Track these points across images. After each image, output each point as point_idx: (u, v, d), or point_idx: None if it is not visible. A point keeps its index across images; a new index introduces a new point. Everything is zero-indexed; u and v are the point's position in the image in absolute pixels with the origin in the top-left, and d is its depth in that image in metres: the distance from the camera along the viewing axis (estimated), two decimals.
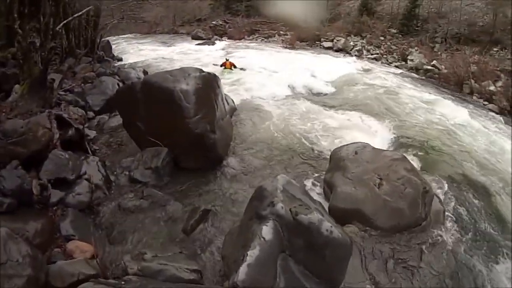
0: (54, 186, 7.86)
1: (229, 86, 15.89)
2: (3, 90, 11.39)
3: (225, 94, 12.41)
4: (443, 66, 23.79)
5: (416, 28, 30.07)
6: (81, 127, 9.88)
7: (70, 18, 14.91)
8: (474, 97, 19.61)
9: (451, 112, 15.71)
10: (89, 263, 6.31)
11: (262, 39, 35.24)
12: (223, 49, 29.05)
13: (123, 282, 5.79)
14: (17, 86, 10.86)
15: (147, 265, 6.33)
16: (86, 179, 8.46)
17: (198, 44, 31.55)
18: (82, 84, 14.95)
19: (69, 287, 5.72)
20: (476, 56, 23.55)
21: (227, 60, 20.74)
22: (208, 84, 10.58)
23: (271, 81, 17.69)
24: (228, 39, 35.62)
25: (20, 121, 8.34)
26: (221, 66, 20.09)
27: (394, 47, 29.12)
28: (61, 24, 12.41)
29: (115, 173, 9.61)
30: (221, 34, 37.50)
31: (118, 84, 14.70)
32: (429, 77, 23.31)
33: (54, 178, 7.97)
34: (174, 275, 6.27)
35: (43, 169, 8.00)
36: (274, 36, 35.41)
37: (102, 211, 8.22)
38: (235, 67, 20.16)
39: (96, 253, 6.86)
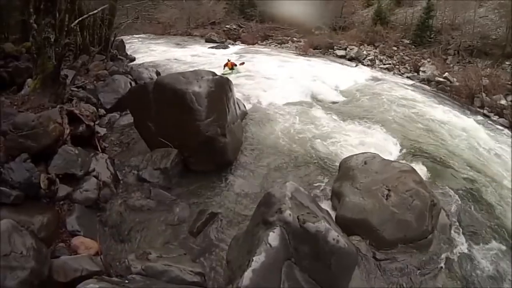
0: (62, 181, 7.90)
1: (241, 91, 15.86)
2: (16, 84, 11.53)
3: (237, 98, 12.41)
4: (455, 79, 23.64)
5: (429, 39, 29.92)
6: (92, 124, 9.89)
7: (85, 16, 15.01)
8: (485, 111, 19.45)
9: (461, 126, 15.62)
10: (93, 260, 6.32)
11: (276, 45, 35.25)
12: (236, 53, 29.08)
13: (126, 281, 5.81)
14: (29, 80, 10.97)
15: (151, 265, 6.35)
16: (95, 176, 8.49)
17: (211, 47, 31.64)
18: (95, 82, 15.04)
19: (72, 282, 5.70)
20: (488, 69, 23.43)
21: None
22: (221, 87, 10.61)
23: (283, 87, 17.65)
24: (241, 43, 35.75)
25: (32, 114, 8.40)
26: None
27: (406, 57, 29.02)
28: (76, 21, 12.51)
29: (123, 171, 9.64)
30: (235, 38, 37.62)
31: (130, 83, 14.77)
32: (441, 89, 23.16)
33: (63, 173, 8.02)
34: (178, 276, 6.29)
35: (52, 163, 8.05)
36: (288, 43, 35.42)
37: (108, 209, 8.23)
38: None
39: (100, 250, 6.89)
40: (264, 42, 36.28)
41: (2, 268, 5.17)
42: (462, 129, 15.19)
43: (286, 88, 17.64)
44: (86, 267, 6.03)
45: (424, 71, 25.80)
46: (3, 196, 6.87)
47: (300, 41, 34.76)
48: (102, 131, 11.39)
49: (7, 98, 10.30)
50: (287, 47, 34.37)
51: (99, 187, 8.37)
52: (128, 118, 12.05)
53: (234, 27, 40.19)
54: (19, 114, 8.59)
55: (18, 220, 6.14)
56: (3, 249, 5.35)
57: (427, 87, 23.71)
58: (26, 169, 7.30)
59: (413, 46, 30.42)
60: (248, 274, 5.34)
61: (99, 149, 9.88)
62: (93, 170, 8.64)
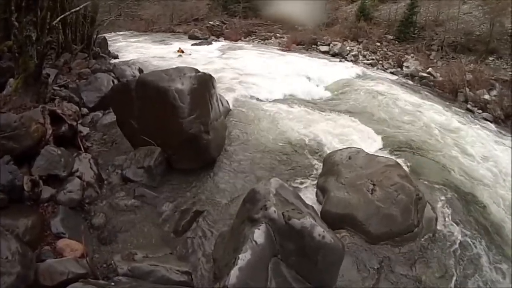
0: (46, 182, 7.82)
1: (224, 87, 15.81)
2: None
3: (220, 95, 12.37)
4: (438, 74, 23.89)
5: (413, 35, 30.08)
6: (74, 123, 9.81)
7: (67, 13, 14.79)
8: (469, 105, 19.60)
9: (446, 120, 15.78)
10: (78, 262, 6.23)
11: (259, 41, 35.18)
12: (219, 49, 29.02)
13: (113, 283, 5.79)
14: (11, 80, 10.77)
15: (137, 266, 6.33)
16: (78, 177, 8.39)
17: (195, 44, 31.46)
18: (77, 80, 14.81)
19: (58, 286, 5.66)
20: (472, 64, 23.67)
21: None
22: (204, 84, 10.52)
23: (266, 83, 17.59)
24: (224, 39, 35.51)
25: (14, 115, 8.24)
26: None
27: (390, 53, 29.20)
28: (58, 19, 12.23)
29: (107, 171, 9.55)
30: (218, 34, 37.42)
31: (113, 81, 14.54)
32: (424, 84, 23.37)
33: (46, 174, 7.92)
34: (165, 276, 6.29)
35: (35, 165, 7.95)
36: (271, 39, 35.38)
37: (93, 210, 8.17)
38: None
39: (86, 252, 6.80)
40: (248, 38, 36.16)
41: None
42: (446, 123, 15.34)
43: (269, 84, 17.60)
44: (72, 269, 5.96)
45: (407, 67, 26.00)
46: None
47: (284, 37, 34.74)
48: (85, 130, 11.27)
49: None
50: (271, 43, 34.31)
51: (83, 188, 8.28)
52: (111, 117, 11.92)
53: (218, 23, 40.00)
54: (1, 115, 8.41)
55: (2, 224, 6.07)
56: None
57: (410, 82, 23.85)
58: (9, 171, 7.16)
59: (396, 42, 30.55)
60: (234, 272, 5.36)
61: (82, 148, 9.82)
62: (77, 170, 8.55)
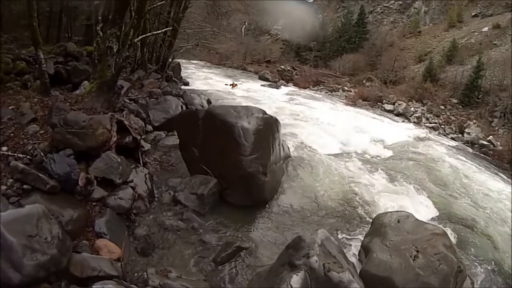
0: (100, 184, 8.17)
1: (288, 133, 16.09)
2: (72, 83, 12.03)
3: (283, 140, 12.53)
4: (498, 142, 23.38)
5: (477, 100, 29.44)
6: (138, 137, 10.19)
7: (149, 34, 15.63)
8: None
9: (500, 194, 15.00)
10: (113, 264, 6.43)
11: (326, 92, 35.52)
12: (287, 94, 29.47)
13: None
14: (86, 82, 11.46)
15: (169, 283, 6.42)
16: (132, 187, 8.70)
17: (264, 85, 32.22)
18: (147, 98, 15.49)
19: (86, 280, 5.87)
20: None
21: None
22: (269, 126, 10.81)
23: (328, 135, 17.76)
24: (293, 85, 36.21)
25: (83, 115, 8.76)
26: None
27: (453, 117, 28.65)
28: (140, 37, 12.93)
29: (160, 189, 9.88)
30: (287, 79, 38.15)
31: (181, 107, 15.19)
32: (483, 152, 22.77)
33: (102, 177, 8.27)
34: None
35: (93, 165, 8.33)
36: (338, 91, 35.60)
37: (138, 221, 8.42)
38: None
39: (122, 257, 7.01)
40: (316, 88, 36.66)
41: (23, 247, 5.36)
42: (500, 197, 14.62)
43: (331, 136, 17.77)
44: (104, 269, 6.16)
45: (468, 133, 25.50)
46: (40, 182, 7.20)
47: (351, 91, 34.96)
48: (146, 146, 11.67)
49: (62, 94, 10.82)
50: (337, 95, 34.54)
51: (134, 198, 8.57)
52: (173, 140, 12.37)
53: (288, 68, 40.89)
54: (71, 111, 8.98)
55: (49, 208, 6.39)
56: (29, 230, 5.57)
57: (470, 149, 23.34)
58: (68, 164, 7.59)
59: (460, 106, 30.00)
60: None
61: (141, 162, 10.17)
62: (131, 181, 8.87)
